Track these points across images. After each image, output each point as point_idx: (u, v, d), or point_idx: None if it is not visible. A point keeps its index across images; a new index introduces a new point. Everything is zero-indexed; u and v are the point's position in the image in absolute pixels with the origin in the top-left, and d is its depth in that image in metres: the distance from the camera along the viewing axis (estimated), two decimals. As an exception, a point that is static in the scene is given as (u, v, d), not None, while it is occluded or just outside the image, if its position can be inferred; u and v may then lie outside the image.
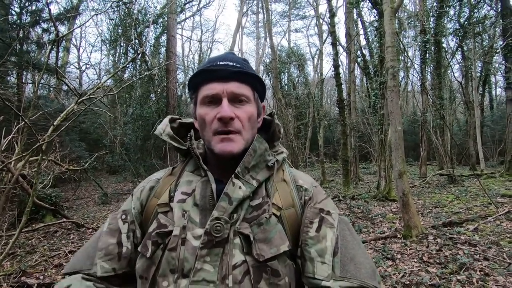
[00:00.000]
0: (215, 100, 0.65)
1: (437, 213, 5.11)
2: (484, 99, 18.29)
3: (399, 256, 3.43)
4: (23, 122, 4.99)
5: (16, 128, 4.80)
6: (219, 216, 0.60)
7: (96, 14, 9.24)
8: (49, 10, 6.47)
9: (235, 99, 0.65)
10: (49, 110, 7.88)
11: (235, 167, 0.65)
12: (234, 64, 0.66)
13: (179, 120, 0.78)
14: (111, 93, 3.89)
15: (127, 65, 12.97)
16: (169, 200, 0.67)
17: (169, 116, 0.77)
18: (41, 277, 3.40)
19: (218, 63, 0.65)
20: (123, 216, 0.71)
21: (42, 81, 13.16)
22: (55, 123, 3.10)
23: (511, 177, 8.29)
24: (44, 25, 11.79)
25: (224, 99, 0.64)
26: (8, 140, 4.79)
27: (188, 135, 0.73)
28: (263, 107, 0.75)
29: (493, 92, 20.54)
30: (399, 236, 4.06)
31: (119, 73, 14.62)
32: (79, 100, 3.39)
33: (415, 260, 3.29)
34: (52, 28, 11.65)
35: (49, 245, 4.68)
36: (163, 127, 0.74)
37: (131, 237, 0.68)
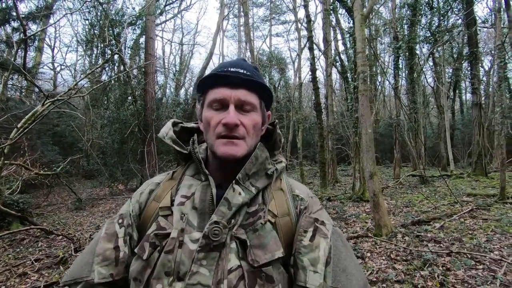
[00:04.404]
0: (222, 105, 0.66)
1: (407, 213, 5.32)
2: (455, 103, 19.28)
3: (368, 254, 3.55)
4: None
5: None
6: (218, 220, 0.60)
7: (70, 13, 8.96)
8: (16, 8, 6.24)
9: (242, 106, 0.66)
10: (18, 112, 7.53)
11: (235, 173, 0.66)
12: (245, 72, 0.67)
13: (181, 124, 0.79)
14: (81, 94, 3.78)
15: (103, 67, 12.64)
16: (171, 203, 0.68)
17: (172, 120, 0.78)
18: (3, 287, 3.23)
19: (230, 69, 0.66)
20: (120, 220, 0.70)
21: (12, 82, 12.57)
22: (19, 125, 2.98)
23: (477, 177, 8.77)
24: (15, 24, 11.30)
25: (231, 105, 0.65)
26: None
27: (191, 139, 0.74)
28: (268, 116, 0.76)
29: (464, 97, 21.62)
30: (370, 235, 4.19)
31: (95, 75, 14.20)
32: (45, 102, 3.28)
33: (383, 258, 3.41)
34: (27, 27, 11.18)
35: (14, 254, 4.45)
36: (166, 131, 0.74)
37: (128, 241, 0.68)
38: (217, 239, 0.59)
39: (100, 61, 15.82)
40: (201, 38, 61.71)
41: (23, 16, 10.75)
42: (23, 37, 4.13)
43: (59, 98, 3.40)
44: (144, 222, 0.70)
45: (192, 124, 0.80)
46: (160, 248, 0.61)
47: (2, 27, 11.39)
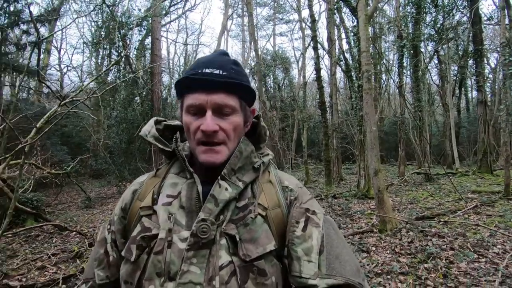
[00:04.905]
0: (199, 111, 0.64)
1: (411, 209, 5.39)
2: (460, 101, 19.16)
3: (373, 248, 3.64)
4: (3, 125, 4.92)
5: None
6: (205, 218, 0.60)
7: (79, 17, 9.14)
8: (30, 12, 6.40)
9: (220, 111, 0.64)
10: (30, 113, 7.73)
11: (221, 168, 0.65)
12: (221, 72, 0.63)
13: (165, 122, 0.77)
14: (94, 95, 3.93)
15: (111, 68, 12.86)
16: (152, 203, 0.67)
17: (154, 118, 0.77)
18: (24, 279, 3.40)
19: (204, 70, 0.63)
20: (108, 226, 0.73)
21: (21, 83, 12.84)
22: (37, 125, 3.13)
23: (483, 174, 8.77)
24: (24, 27, 11.54)
25: (208, 111, 0.62)
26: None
27: (174, 137, 0.72)
28: (252, 111, 0.74)
29: (469, 95, 21.47)
30: (375, 230, 4.29)
31: (102, 75, 14.44)
32: (62, 103, 3.43)
33: (388, 251, 3.50)
34: (32, 30, 11.42)
35: (30, 249, 4.63)
36: (149, 129, 0.73)
37: (114, 246, 0.70)
38: (205, 236, 0.59)
39: (106, 62, 16.10)
40: (205, 38, 62.07)
41: (33, 19, 10.98)
42: (37, 40, 4.26)
43: (76, 99, 3.54)
44: (130, 222, 0.70)
45: (176, 122, 0.78)
46: (148, 249, 0.61)
47: (12, 30, 11.63)
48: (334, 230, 0.67)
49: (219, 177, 0.64)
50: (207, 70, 0.63)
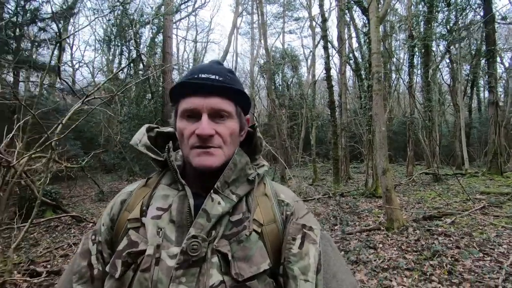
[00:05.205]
0: (194, 115, 0.62)
1: (419, 208, 5.46)
2: (472, 101, 18.91)
3: (380, 245, 3.76)
4: (23, 121, 5.17)
5: (17, 125, 5.00)
6: (196, 234, 0.57)
7: (98, 17, 9.38)
8: (53, 12, 6.64)
9: (216, 115, 0.63)
10: (46, 109, 8.02)
11: (215, 181, 0.63)
12: (217, 77, 0.62)
13: (157, 129, 0.75)
14: (115, 93, 4.12)
15: (126, 66, 13.14)
16: (140, 215, 0.64)
17: (146, 125, 0.74)
18: (48, 266, 3.63)
19: (200, 75, 0.62)
20: (93, 237, 0.68)
21: (33, 79, 13.23)
22: (63, 121, 3.33)
23: (492, 176, 8.73)
24: (41, 24, 11.88)
25: (204, 115, 0.61)
26: (9, 137, 4.99)
27: (167, 146, 0.70)
28: (247, 120, 0.72)
29: (482, 95, 21.15)
30: (382, 228, 4.39)
31: (113, 72, 14.75)
32: (85, 100, 3.62)
33: (395, 248, 3.61)
34: (49, 27, 11.75)
35: (51, 238, 4.89)
36: (140, 137, 0.70)
37: (100, 257, 0.65)
38: (196, 254, 0.56)
39: (118, 59, 16.41)
40: (214, 35, 62.24)
41: (49, 17, 11.31)
42: (59, 39, 4.47)
43: (98, 97, 3.73)
44: (116, 235, 0.66)
45: (169, 129, 0.76)
46: (134, 266, 0.58)
47: (29, 28, 11.96)
48: (331, 247, 0.66)
49: (212, 191, 0.62)
50: (203, 75, 0.62)
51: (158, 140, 0.74)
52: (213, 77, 0.62)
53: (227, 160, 0.64)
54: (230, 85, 0.63)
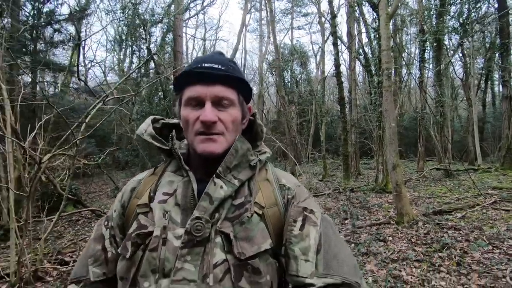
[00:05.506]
0: (198, 103, 0.65)
1: (429, 203, 5.51)
2: (486, 95, 18.51)
3: (390, 238, 3.86)
4: (44, 119, 5.44)
5: (39, 124, 5.27)
6: (199, 216, 0.61)
7: (113, 20, 9.61)
8: (71, 13, 6.87)
9: (219, 102, 0.65)
10: (65, 108, 8.34)
11: (217, 166, 0.66)
12: (220, 66, 0.66)
13: (162, 121, 0.78)
14: (133, 94, 4.31)
15: (134, 63, 13.42)
16: (148, 200, 0.68)
17: (152, 117, 0.78)
18: (74, 256, 3.87)
19: (204, 65, 0.65)
20: (106, 222, 0.74)
21: (48, 79, 13.67)
22: (87, 119, 3.54)
23: (505, 171, 8.63)
24: (56, 26, 12.25)
25: (207, 103, 0.64)
26: (32, 135, 5.27)
27: (170, 135, 0.73)
28: (249, 108, 0.75)
29: (496, 89, 20.64)
30: (392, 222, 4.47)
31: (128, 71, 15.08)
32: (106, 100, 3.82)
33: (404, 241, 3.71)
34: (63, 29, 12.10)
35: (74, 231, 5.16)
36: (145, 127, 0.74)
37: (113, 242, 0.71)
38: (199, 234, 0.60)
39: (129, 59, 16.75)
40: (222, 33, 62.34)
41: (65, 18, 11.66)
42: (78, 41, 4.68)
43: (117, 96, 3.92)
44: (127, 220, 0.70)
45: (174, 120, 0.80)
46: (143, 246, 0.62)
47: (45, 29, 12.34)
48: (332, 229, 0.67)
49: (214, 175, 0.65)
50: (206, 65, 0.65)
51: (163, 131, 0.77)
52: (216, 66, 0.65)
53: (230, 146, 0.67)
54: (232, 74, 0.66)
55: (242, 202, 0.66)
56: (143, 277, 0.60)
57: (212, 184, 0.64)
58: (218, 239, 0.61)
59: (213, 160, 0.66)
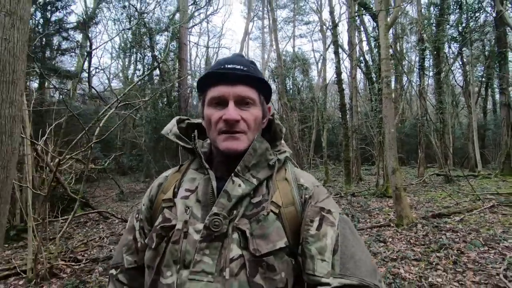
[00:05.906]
0: (222, 102, 0.67)
1: (429, 207, 5.64)
2: (487, 103, 18.67)
3: (390, 239, 4.00)
4: (53, 124, 5.66)
5: (49, 129, 5.48)
6: (218, 212, 0.63)
7: (123, 30, 9.91)
8: (84, 20, 7.15)
9: (241, 102, 0.68)
10: (75, 112, 8.57)
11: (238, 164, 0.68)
12: (242, 67, 0.68)
13: (188, 121, 0.82)
14: (145, 99, 4.54)
15: (138, 70, 13.71)
16: (173, 196, 0.72)
17: (177, 117, 0.81)
18: (85, 255, 4.03)
19: (226, 66, 0.68)
20: (137, 215, 0.79)
21: (55, 85, 13.97)
22: (101, 124, 3.74)
23: (505, 177, 8.75)
24: (64, 34, 12.60)
25: (230, 102, 0.66)
26: (43, 140, 5.48)
27: (193, 135, 0.76)
28: (268, 108, 0.78)
29: (497, 96, 20.77)
30: (392, 225, 4.61)
31: (131, 78, 15.39)
32: (118, 105, 4.03)
33: (403, 242, 3.85)
34: (71, 37, 12.44)
35: (83, 232, 5.32)
36: (170, 127, 0.78)
37: (142, 233, 0.76)
38: (217, 229, 0.62)
39: (133, 66, 17.08)
40: (225, 40, 63.18)
41: (73, 27, 11.99)
42: (90, 49, 4.92)
43: (128, 102, 4.13)
44: (154, 213, 0.75)
45: (198, 120, 0.82)
46: (167, 238, 0.65)
47: (54, 37, 12.67)
48: (350, 230, 0.67)
49: (232, 174, 0.67)
50: (229, 66, 0.68)
51: (188, 131, 0.81)
52: (238, 67, 0.68)
53: (251, 144, 0.69)
54: (253, 74, 0.69)
55: (259, 200, 0.67)
56: (166, 266, 0.63)
57: (230, 182, 0.67)
58: (235, 235, 0.63)
59: (234, 159, 0.68)
